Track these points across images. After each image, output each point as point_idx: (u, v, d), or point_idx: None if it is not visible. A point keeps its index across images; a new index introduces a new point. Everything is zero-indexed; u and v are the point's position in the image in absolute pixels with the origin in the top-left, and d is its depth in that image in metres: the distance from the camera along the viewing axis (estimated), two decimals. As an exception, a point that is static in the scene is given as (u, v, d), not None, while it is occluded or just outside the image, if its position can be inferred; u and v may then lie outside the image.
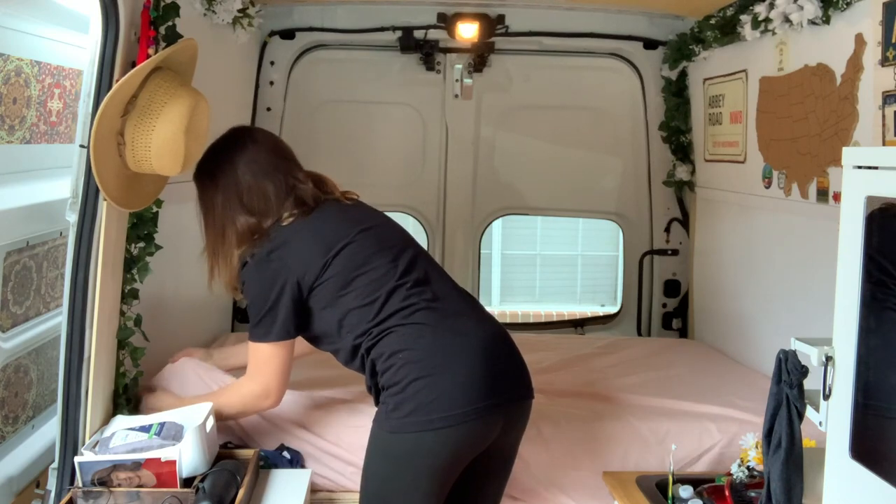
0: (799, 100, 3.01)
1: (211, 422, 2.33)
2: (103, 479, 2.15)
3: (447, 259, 4.42)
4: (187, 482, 2.19)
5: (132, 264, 2.50)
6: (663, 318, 4.44)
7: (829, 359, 1.51)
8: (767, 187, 3.33)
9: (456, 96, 4.29)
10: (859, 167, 1.46)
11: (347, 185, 2.48)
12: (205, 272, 2.40)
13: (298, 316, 2.22)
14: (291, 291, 2.19)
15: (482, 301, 2.47)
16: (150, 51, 2.23)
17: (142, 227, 2.51)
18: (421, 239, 4.40)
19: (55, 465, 2.30)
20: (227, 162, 2.32)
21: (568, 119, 4.41)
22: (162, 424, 2.27)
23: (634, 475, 2.48)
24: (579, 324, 4.73)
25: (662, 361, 3.60)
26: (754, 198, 3.45)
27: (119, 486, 2.15)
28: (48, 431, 2.84)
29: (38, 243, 2.86)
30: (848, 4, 2.62)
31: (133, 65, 2.22)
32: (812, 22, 2.84)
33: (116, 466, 2.15)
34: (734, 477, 2.27)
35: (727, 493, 2.26)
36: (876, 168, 1.42)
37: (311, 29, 4.13)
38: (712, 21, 3.64)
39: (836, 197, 2.80)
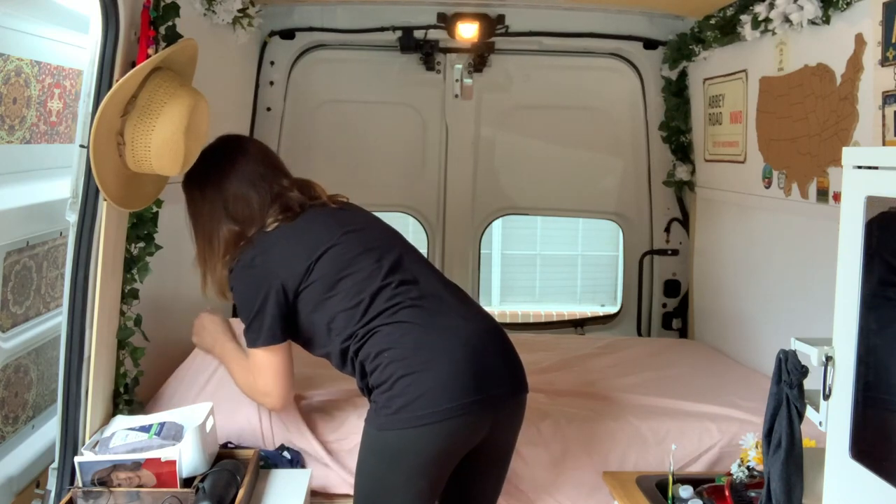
0: (799, 100, 3.01)
1: (211, 422, 2.33)
2: (103, 479, 2.15)
3: (447, 259, 4.42)
4: (187, 482, 2.19)
5: (132, 264, 2.50)
6: (663, 318, 4.44)
7: (829, 359, 1.51)
8: (767, 187, 3.33)
9: (456, 96, 4.29)
10: (859, 167, 1.46)
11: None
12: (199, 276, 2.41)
13: (285, 320, 2.22)
14: (276, 296, 2.20)
15: (482, 301, 2.48)
16: (150, 51, 2.23)
17: (142, 227, 2.51)
18: (421, 239, 4.41)
19: (55, 465, 2.31)
20: (213, 172, 2.33)
21: (568, 119, 4.41)
22: (162, 424, 2.27)
23: (634, 475, 2.48)
24: (579, 324, 4.73)
25: (662, 361, 3.60)
26: (754, 198, 3.45)
27: (119, 486, 2.15)
28: (48, 431, 2.84)
29: (38, 243, 2.86)
30: (848, 4, 2.62)
31: (133, 65, 2.22)
32: (812, 22, 2.84)
33: (116, 466, 2.15)
34: (734, 477, 2.27)
35: (727, 493, 2.26)
36: (876, 168, 1.42)
37: (311, 29, 4.13)
38: (712, 21, 3.64)
39: (836, 197, 2.80)
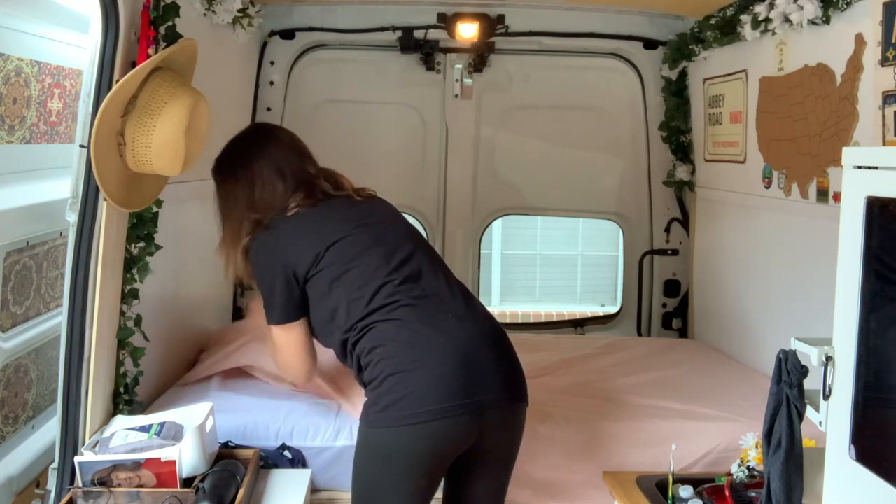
0: (799, 100, 3.01)
1: (211, 422, 2.33)
2: (103, 479, 2.15)
3: (447, 259, 4.36)
4: (187, 482, 2.19)
5: (132, 264, 2.50)
6: (663, 318, 4.44)
7: (829, 359, 1.51)
8: (767, 187, 3.32)
9: (456, 96, 4.28)
10: (859, 167, 1.46)
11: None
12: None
13: (297, 299, 2.26)
14: (286, 278, 2.23)
15: (482, 301, 2.47)
16: (150, 51, 2.23)
17: (142, 227, 2.51)
18: (421, 239, 4.40)
19: (55, 465, 2.31)
20: (246, 158, 2.36)
21: (568, 119, 4.41)
22: (162, 424, 2.27)
23: (634, 475, 2.48)
24: (579, 324, 4.73)
25: (662, 361, 3.60)
26: (754, 198, 3.45)
27: (119, 486, 2.15)
28: (48, 431, 2.84)
29: (38, 243, 2.86)
30: (848, 4, 2.62)
31: (133, 65, 2.22)
32: (812, 22, 2.84)
33: (116, 466, 2.16)
34: (734, 477, 2.27)
35: (727, 493, 2.26)
36: (876, 168, 1.42)
37: (311, 29, 4.12)
38: (712, 21, 3.64)
39: (836, 197, 2.80)
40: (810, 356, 1.56)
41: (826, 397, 1.52)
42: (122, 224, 2.41)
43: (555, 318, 6.31)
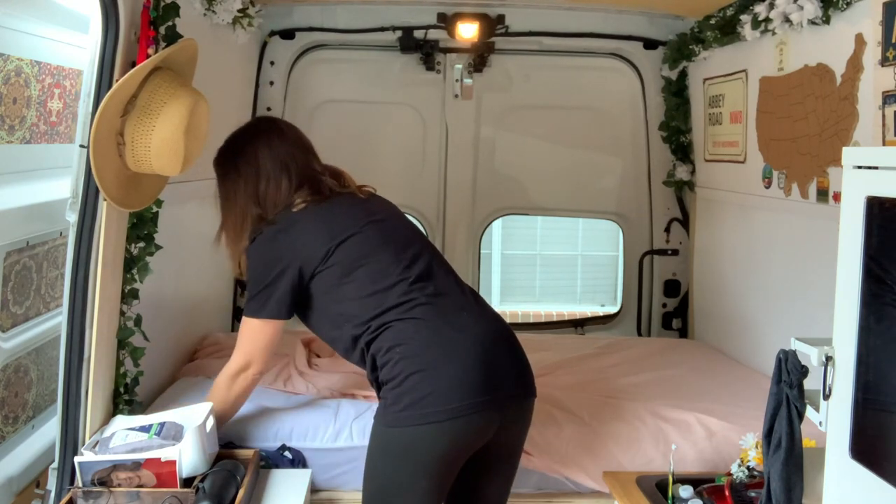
0: (799, 100, 3.01)
1: (211, 422, 2.33)
2: (103, 479, 2.16)
3: (447, 259, 4.40)
4: (187, 482, 2.19)
5: (132, 264, 2.50)
6: (663, 318, 4.44)
7: (829, 359, 1.51)
8: (767, 187, 3.32)
9: (456, 96, 4.28)
10: (859, 167, 1.46)
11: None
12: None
13: (294, 298, 2.25)
14: (291, 275, 2.22)
15: (484, 301, 2.48)
16: (150, 51, 2.23)
17: (142, 227, 2.51)
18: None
19: (55, 465, 2.31)
20: (251, 151, 2.35)
21: (568, 119, 4.41)
22: (162, 424, 2.27)
23: (634, 475, 2.48)
24: (579, 324, 4.73)
25: (662, 361, 3.60)
26: (754, 198, 3.45)
27: (119, 486, 2.16)
28: (48, 431, 2.84)
29: (38, 243, 2.86)
30: (848, 4, 2.62)
31: (133, 65, 2.22)
32: (812, 22, 2.84)
33: (116, 466, 2.16)
34: (734, 477, 2.26)
35: (727, 493, 2.26)
36: (876, 168, 1.42)
37: (311, 29, 4.12)
38: (712, 21, 3.64)
39: (836, 197, 2.80)
40: (810, 356, 1.56)
41: (826, 397, 1.52)
42: (122, 224, 2.41)
43: (555, 318, 6.31)
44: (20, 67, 2.66)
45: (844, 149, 1.51)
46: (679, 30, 4.05)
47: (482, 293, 2.61)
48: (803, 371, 1.63)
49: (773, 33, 3.12)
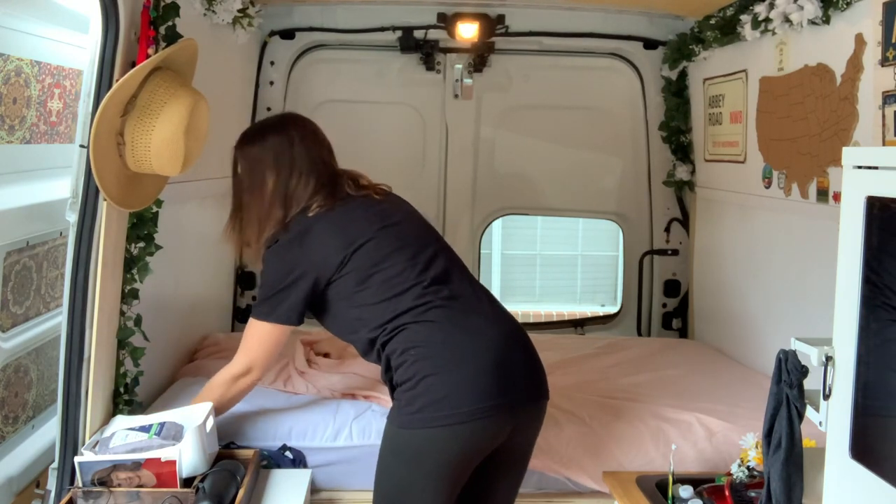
0: (799, 100, 3.01)
1: (211, 422, 2.33)
2: (103, 479, 2.15)
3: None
4: (187, 482, 2.19)
5: (132, 264, 2.50)
6: (663, 318, 4.44)
7: (829, 359, 1.51)
8: (767, 187, 3.32)
9: (456, 96, 4.28)
10: (859, 167, 1.46)
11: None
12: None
13: (305, 306, 2.25)
14: (306, 284, 2.21)
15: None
16: (150, 51, 2.23)
17: (142, 227, 2.51)
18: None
19: (55, 465, 2.31)
20: (287, 142, 2.32)
21: (568, 119, 4.41)
22: (162, 424, 2.27)
23: (634, 475, 2.47)
24: (579, 324, 4.73)
25: (662, 361, 3.60)
26: (754, 198, 3.45)
27: (119, 486, 2.16)
28: (48, 431, 2.84)
29: (38, 243, 2.86)
30: (848, 4, 2.62)
31: (133, 65, 2.22)
32: (812, 22, 2.84)
33: (116, 466, 2.16)
34: (734, 477, 2.26)
35: (727, 493, 2.26)
36: (876, 168, 1.42)
37: (311, 29, 4.12)
38: (712, 21, 3.64)
39: (836, 197, 2.80)
40: (810, 356, 1.56)
41: (826, 397, 1.52)
42: (122, 224, 2.41)
43: (555, 318, 6.31)
44: (20, 67, 2.66)
45: (844, 149, 1.51)
46: (679, 30, 4.05)
47: (482, 293, 2.60)
48: (803, 371, 1.63)
49: (773, 33, 3.12)
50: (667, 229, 4.38)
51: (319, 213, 2.26)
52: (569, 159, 4.43)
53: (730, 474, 2.29)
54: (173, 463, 2.17)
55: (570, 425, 2.73)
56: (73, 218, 2.26)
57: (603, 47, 4.24)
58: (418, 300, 2.16)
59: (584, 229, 7.48)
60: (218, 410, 2.42)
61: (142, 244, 2.53)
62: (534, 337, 2.19)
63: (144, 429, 2.25)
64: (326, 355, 3.16)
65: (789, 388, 1.63)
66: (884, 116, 2.41)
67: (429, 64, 4.22)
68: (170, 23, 2.43)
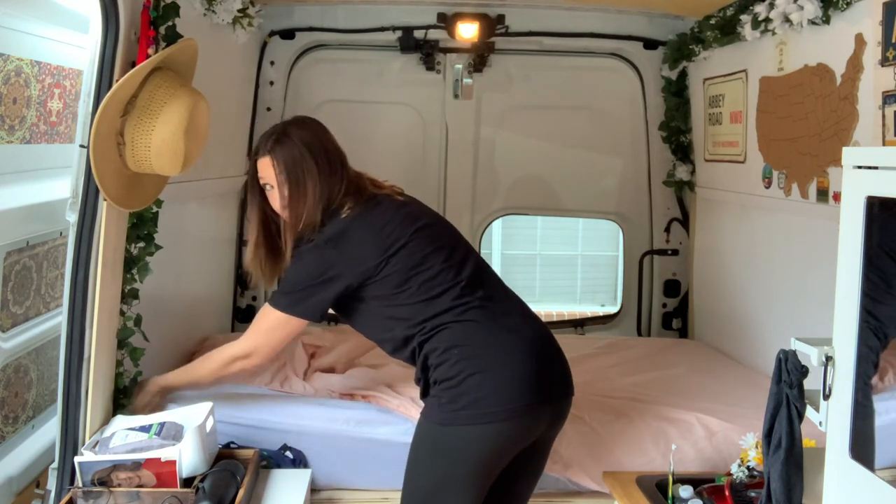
0: (799, 100, 3.01)
1: (211, 421, 2.33)
2: (103, 479, 2.16)
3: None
4: (187, 482, 2.19)
5: (132, 264, 2.50)
6: (663, 318, 4.44)
7: (829, 359, 1.51)
8: (767, 187, 3.32)
9: (456, 96, 4.28)
10: (859, 167, 1.46)
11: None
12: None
13: (330, 306, 2.26)
14: (339, 286, 2.22)
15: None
16: (150, 51, 2.23)
17: (142, 227, 2.51)
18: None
19: (55, 465, 2.31)
20: (329, 141, 2.32)
21: (568, 119, 4.41)
22: (162, 424, 2.27)
23: (634, 475, 2.48)
24: (579, 324, 4.73)
25: (662, 361, 3.60)
26: (754, 198, 3.45)
27: (119, 486, 2.16)
28: (48, 431, 2.84)
29: (38, 243, 2.86)
30: (848, 4, 2.62)
31: (133, 65, 2.22)
32: (812, 22, 2.84)
33: (116, 466, 2.16)
34: (734, 477, 2.27)
35: (727, 493, 2.26)
36: (876, 168, 1.42)
37: (311, 29, 4.12)
38: (712, 21, 3.64)
39: (836, 197, 2.80)
40: (810, 356, 1.56)
41: (826, 397, 1.52)
42: (122, 224, 2.41)
43: (555, 318, 6.31)
44: (20, 67, 2.66)
45: (844, 149, 1.51)
46: (679, 30, 4.05)
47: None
48: (803, 371, 1.63)
49: (773, 33, 3.12)
50: (667, 229, 4.39)
51: (351, 214, 2.26)
52: (569, 159, 4.43)
53: (730, 474, 2.29)
54: (173, 463, 2.17)
55: (570, 425, 2.72)
56: (73, 218, 2.26)
57: (603, 47, 4.24)
58: (457, 300, 2.19)
59: (584, 229, 7.48)
60: (200, 383, 2.45)
61: (142, 244, 2.53)
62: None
63: (144, 429, 2.25)
64: (331, 370, 3.13)
65: (789, 388, 1.63)
66: (884, 116, 2.41)
67: (429, 64, 4.22)
68: (170, 23, 2.43)
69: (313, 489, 2.55)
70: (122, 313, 2.48)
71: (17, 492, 2.63)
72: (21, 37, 2.64)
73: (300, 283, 2.24)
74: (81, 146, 2.20)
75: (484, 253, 5.05)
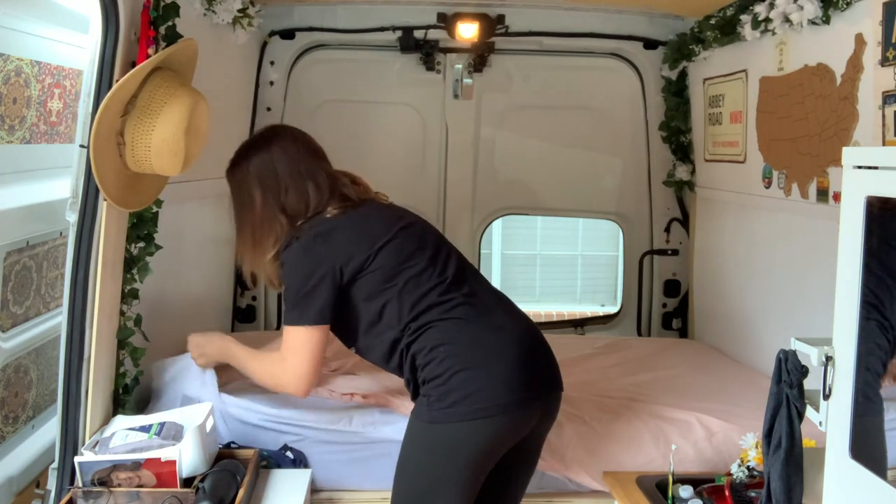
0: (799, 100, 3.01)
1: (211, 421, 2.33)
2: (103, 479, 2.16)
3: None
4: (187, 482, 2.19)
5: (132, 264, 2.50)
6: (663, 318, 4.44)
7: (829, 359, 1.51)
8: (767, 187, 3.33)
9: (456, 96, 4.28)
10: (859, 167, 1.46)
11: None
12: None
13: (333, 303, 2.24)
14: (333, 277, 2.21)
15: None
16: (150, 51, 2.23)
17: (142, 227, 2.51)
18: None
19: (55, 465, 2.31)
20: (268, 159, 2.34)
21: (568, 119, 4.41)
22: (162, 424, 2.27)
23: (634, 475, 2.48)
24: (579, 324, 4.73)
25: (662, 361, 3.60)
26: (754, 198, 3.45)
27: (119, 486, 2.16)
28: (48, 431, 2.84)
29: (38, 243, 2.86)
30: (848, 4, 2.62)
31: (133, 65, 2.22)
32: (812, 22, 2.84)
33: (116, 466, 2.16)
34: (734, 477, 2.27)
35: (727, 493, 2.26)
36: (876, 168, 1.42)
37: (311, 29, 4.12)
38: (712, 21, 3.64)
39: (836, 197, 2.80)
40: (810, 356, 1.56)
41: (826, 397, 1.52)
42: (122, 224, 2.41)
43: (555, 318, 6.31)
44: (20, 67, 2.66)
45: (844, 149, 1.51)
46: (679, 30, 4.05)
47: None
48: (803, 371, 1.63)
49: (773, 33, 3.12)
50: (667, 229, 4.39)
51: (337, 214, 2.29)
52: (569, 159, 4.43)
53: (730, 474, 2.30)
54: (173, 463, 2.17)
55: (570, 425, 2.73)
56: (73, 218, 2.26)
57: (603, 47, 4.24)
58: (443, 297, 2.20)
59: (584, 229, 7.48)
60: (245, 368, 2.45)
61: (142, 244, 2.53)
62: (534, 337, 2.24)
63: (144, 429, 2.25)
64: (332, 370, 3.13)
65: (789, 388, 1.63)
66: (884, 116, 2.41)
67: (429, 64, 4.22)
68: (170, 23, 2.43)
69: (313, 489, 2.55)
70: (122, 313, 2.48)
71: (17, 492, 2.63)
72: (21, 37, 2.64)
73: (298, 290, 2.23)
74: (81, 146, 2.20)
75: (484, 253, 5.06)
